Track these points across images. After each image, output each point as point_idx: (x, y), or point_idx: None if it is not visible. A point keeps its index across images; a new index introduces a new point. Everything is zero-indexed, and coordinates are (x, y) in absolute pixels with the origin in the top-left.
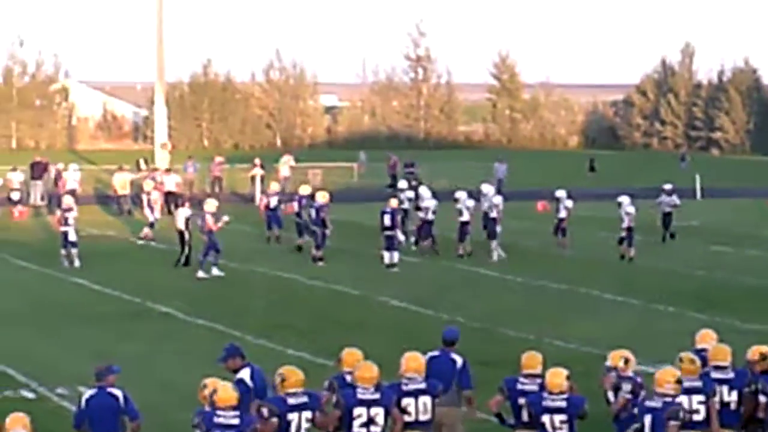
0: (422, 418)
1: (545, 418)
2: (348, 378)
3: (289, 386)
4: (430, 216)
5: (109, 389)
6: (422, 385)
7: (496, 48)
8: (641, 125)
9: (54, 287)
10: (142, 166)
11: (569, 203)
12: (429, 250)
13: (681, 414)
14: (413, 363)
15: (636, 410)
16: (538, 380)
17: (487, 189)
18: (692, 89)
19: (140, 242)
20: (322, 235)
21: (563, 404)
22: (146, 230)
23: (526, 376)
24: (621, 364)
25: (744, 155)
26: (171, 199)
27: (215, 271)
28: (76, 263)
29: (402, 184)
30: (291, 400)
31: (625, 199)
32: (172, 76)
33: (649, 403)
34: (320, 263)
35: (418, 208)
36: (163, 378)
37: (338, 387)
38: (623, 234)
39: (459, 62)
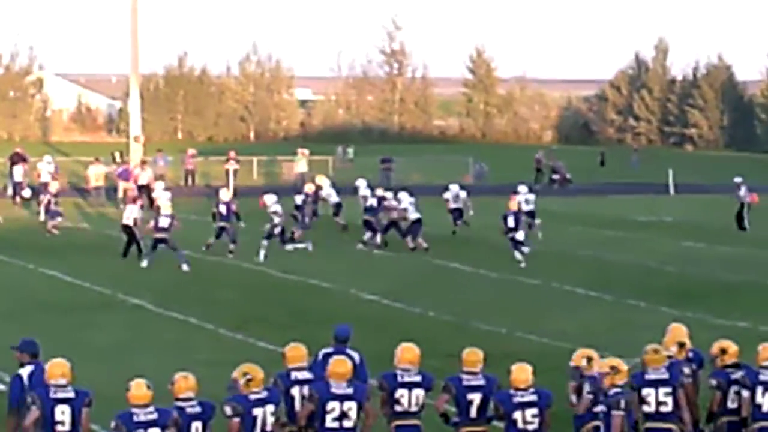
0: (413, 409)
1: (517, 414)
2: (293, 374)
3: (255, 385)
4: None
5: None
6: (417, 378)
7: (472, 42)
8: (615, 121)
9: (25, 278)
10: (117, 158)
11: (531, 197)
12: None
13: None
14: (408, 354)
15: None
16: (480, 375)
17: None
18: (666, 85)
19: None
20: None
21: (535, 398)
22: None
23: (468, 372)
24: (584, 363)
25: (718, 151)
26: (144, 193)
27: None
28: None
29: (361, 182)
30: (253, 396)
31: (522, 189)
32: (147, 68)
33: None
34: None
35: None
36: (133, 370)
37: (283, 384)
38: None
39: (434, 56)
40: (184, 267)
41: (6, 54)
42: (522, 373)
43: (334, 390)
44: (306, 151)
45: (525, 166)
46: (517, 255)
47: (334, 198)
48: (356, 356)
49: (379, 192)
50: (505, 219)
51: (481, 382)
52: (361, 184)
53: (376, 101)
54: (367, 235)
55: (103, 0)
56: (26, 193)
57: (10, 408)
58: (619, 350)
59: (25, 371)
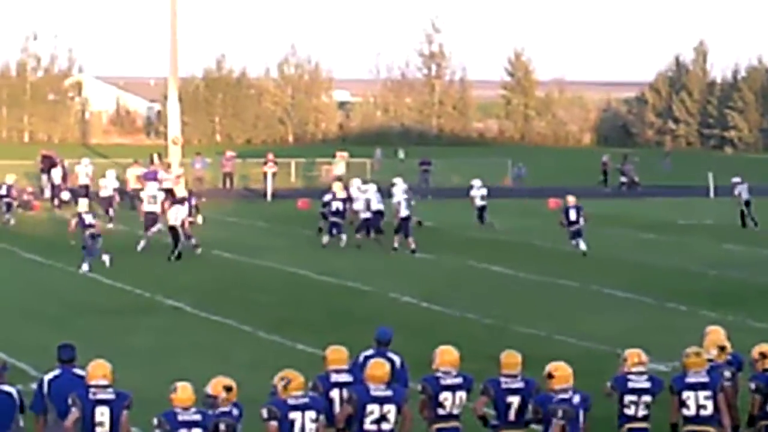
0: (455, 411)
1: None
2: (333, 377)
3: (293, 390)
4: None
5: (2, 387)
6: (459, 380)
7: (511, 45)
8: (654, 123)
9: (64, 281)
10: (155, 161)
11: (484, 191)
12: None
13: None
14: (449, 356)
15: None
16: (519, 378)
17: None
18: (706, 87)
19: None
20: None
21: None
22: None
23: (507, 375)
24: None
25: (757, 153)
26: (169, 197)
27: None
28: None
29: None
30: (292, 401)
31: (476, 182)
32: (185, 71)
33: None
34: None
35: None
36: (173, 372)
37: (322, 386)
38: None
39: (473, 59)
40: (105, 260)
41: (46, 56)
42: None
43: (373, 392)
44: (345, 154)
45: (564, 168)
46: (582, 246)
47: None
48: (397, 359)
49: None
50: (566, 212)
51: (520, 384)
52: (371, 188)
53: (415, 103)
54: (326, 238)
55: (142, 3)
56: (65, 195)
57: (33, 412)
58: (659, 353)
59: (47, 376)
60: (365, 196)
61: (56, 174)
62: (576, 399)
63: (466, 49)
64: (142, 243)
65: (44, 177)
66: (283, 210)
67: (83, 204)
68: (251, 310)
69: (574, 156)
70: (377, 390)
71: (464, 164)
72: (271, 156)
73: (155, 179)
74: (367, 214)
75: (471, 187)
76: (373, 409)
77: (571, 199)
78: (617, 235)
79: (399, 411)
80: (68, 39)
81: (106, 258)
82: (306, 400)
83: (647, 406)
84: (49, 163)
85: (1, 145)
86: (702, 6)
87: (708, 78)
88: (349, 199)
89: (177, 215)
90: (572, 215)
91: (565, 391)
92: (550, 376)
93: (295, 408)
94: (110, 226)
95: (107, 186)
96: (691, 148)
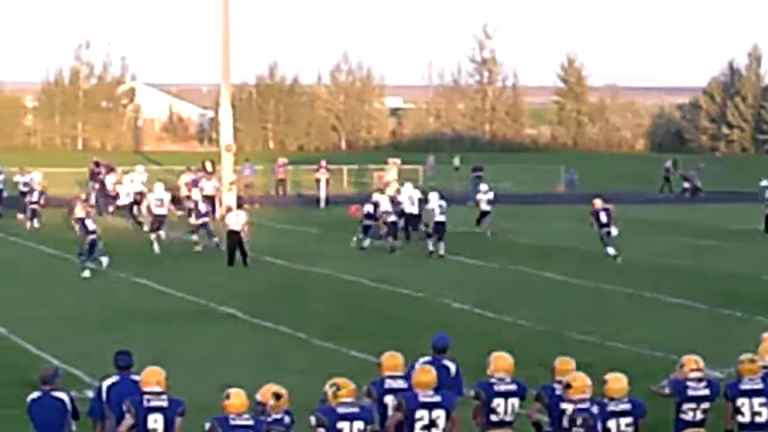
0: (508, 418)
1: (611, 423)
2: (387, 383)
3: (342, 396)
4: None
5: (54, 393)
6: (512, 387)
7: (563, 51)
8: (708, 128)
9: (118, 288)
10: (209, 168)
11: (490, 195)
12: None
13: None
14: (503, 363)
15: None
16: None
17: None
18: (760, 92)
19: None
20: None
21: (628, 407)
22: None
23: (560, 381)
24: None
25: None
26: (207, 203)
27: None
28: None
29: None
30: (341, 410)
31: (483, 187)
32: (238, 78)
33: None
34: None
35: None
36: (225, 379)
37: (376, 392)
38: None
39: (525, 65)
40: (104, 260)
41: (99, 64)
42: (618, 383)
43: (422, 398)
44: (397, 160)
45: (617, 174)
46: (611, 250)
47: (408, 207)
48: (452, 367)
49: (376, 197)
50: (597, 215)
51: None
52: (406, 191)
53: (467, 110)
54: (360, 236)
55: (194, 10)
56: (119, 202)
57: (92, 418)
58: (713, 360)
59: (105, 383)
60: (401, 198)
61: (110, 180)
62: (595, 409)
63: (518, 55)
64: (156, 246)
65: (90, 184)
66: (336, 217)
67: (80, 209)
68: (305, 317)
69: (628, 162)
70: (426, 396)
71: (517, 170)
72: (323, 163)
73: (196, 186)
74: (393, 218)
75: (478, 191)
76: (423, 415)
77: (598, 202)
78: (670, 240)
79: (448, 416)
80: (121, 47)
81: (104, 259)
82: (355, 409)
83: (704, 411)
84: (105, 170)
85: (55, 152)
86: (756, 10)
87: (762, 83)
88: (377, 204)
89: (237, 220)
90: (603, 218)
91: (583, 401)
92: (568, 386)
93: (344, 417)
94: (139, 230)
95: (129, 192)
96: (746, 153)
